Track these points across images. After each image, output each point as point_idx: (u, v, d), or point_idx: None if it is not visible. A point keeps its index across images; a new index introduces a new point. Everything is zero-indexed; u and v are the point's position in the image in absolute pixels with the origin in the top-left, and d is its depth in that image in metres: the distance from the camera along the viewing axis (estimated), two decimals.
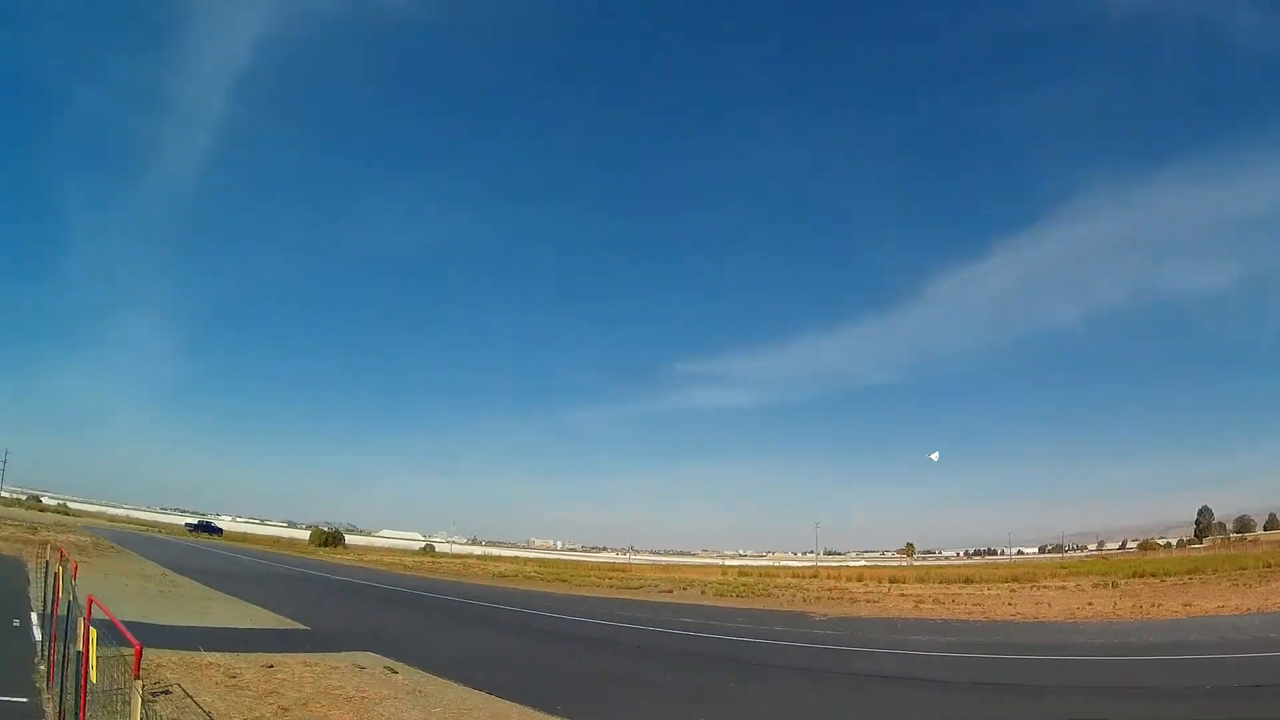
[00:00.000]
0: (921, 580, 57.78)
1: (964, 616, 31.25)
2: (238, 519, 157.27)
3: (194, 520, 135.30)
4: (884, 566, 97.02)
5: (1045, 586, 47.64)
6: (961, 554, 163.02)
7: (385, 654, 17.93)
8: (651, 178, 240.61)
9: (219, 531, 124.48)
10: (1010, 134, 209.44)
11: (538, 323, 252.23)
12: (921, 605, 36.60)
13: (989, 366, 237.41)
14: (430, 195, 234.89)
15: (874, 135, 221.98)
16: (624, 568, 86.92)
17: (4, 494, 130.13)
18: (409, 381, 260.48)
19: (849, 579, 60.92)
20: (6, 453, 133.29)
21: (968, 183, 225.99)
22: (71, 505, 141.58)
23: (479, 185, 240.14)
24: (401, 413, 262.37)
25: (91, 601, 8.03)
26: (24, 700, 10.82)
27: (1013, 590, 45.46)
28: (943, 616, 31.62)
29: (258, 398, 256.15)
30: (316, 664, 15.78)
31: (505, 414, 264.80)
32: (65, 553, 17.16)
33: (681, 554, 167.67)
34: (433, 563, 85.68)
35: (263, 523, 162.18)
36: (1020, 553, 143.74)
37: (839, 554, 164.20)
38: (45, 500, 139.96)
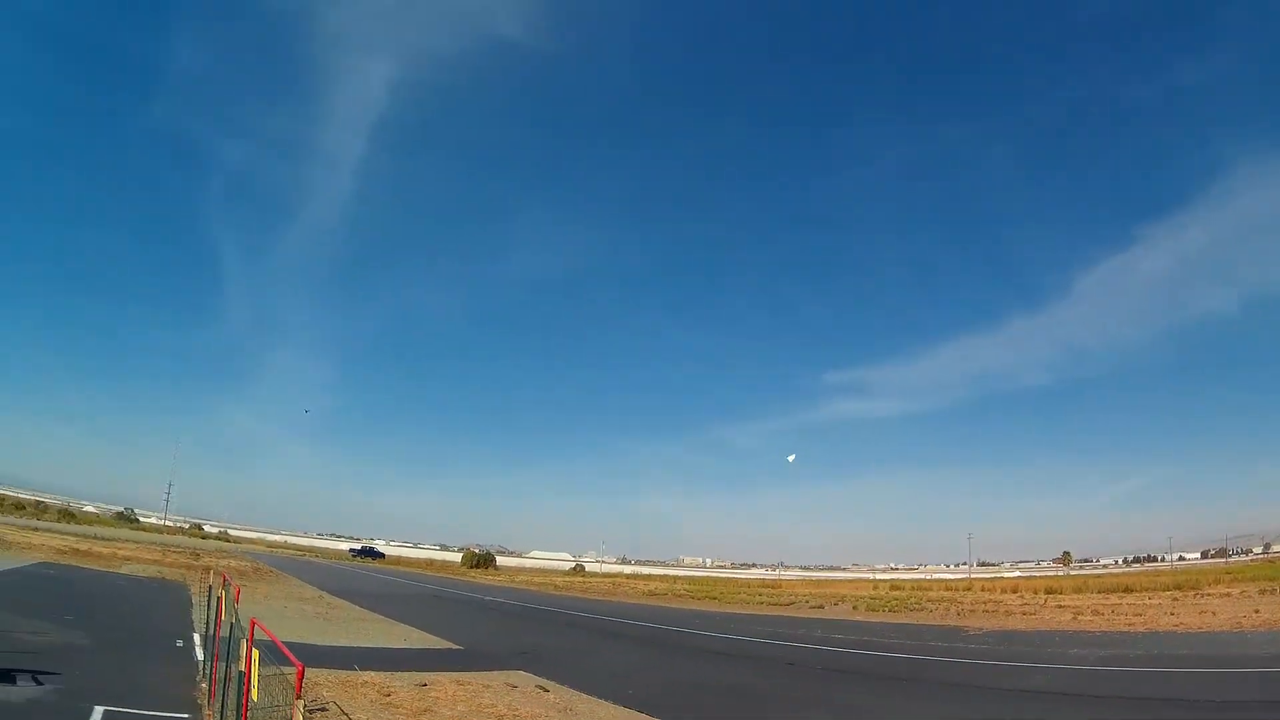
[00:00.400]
0: (1079, 590, 56.00)
1: (1124, 628, 30.76)
2: (391, 543, 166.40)
3: (357, 545, 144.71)
4: (1040, 577, 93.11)
5: (1209, 594, 45.26)
6: (1120, 561, 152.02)
7: (536, 673, 18.59)
8: (792, 190, 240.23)
9: (381, 555, 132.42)
10: (1149, 112, 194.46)
11: (687, 340, 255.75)
12: (1080, 617, 36.31)
13: (1143, 360, 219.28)
14: (574, 218, 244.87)
15: (1008, 128, 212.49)
16: (774, 584, 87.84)
17: (169, 522, 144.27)
18: (559, 403, 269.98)
19: (1004, 591, 59.79)
20: (171, 484, 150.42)
21: (1109, 168, 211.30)
22: (232, 532, 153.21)
23: (623, 205, 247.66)
24: (552, 434, 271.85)
25: (254, 624, 8.72)
26: (186, 716, 11.64)
27: (1175, 599, 43.62)
28: (1102, 628, 31.48)
29: (409, 425, 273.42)
30: (469, 682, 16.45)
31: (655, 432, 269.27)
32: (227, 577, 18.21)
33: (832, 569, 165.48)
34: (583, 582, 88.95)
35: (416, 546, 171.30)
36: (1181, 558, 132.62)
37: (993, 565, 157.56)
38: (207, 528, 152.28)
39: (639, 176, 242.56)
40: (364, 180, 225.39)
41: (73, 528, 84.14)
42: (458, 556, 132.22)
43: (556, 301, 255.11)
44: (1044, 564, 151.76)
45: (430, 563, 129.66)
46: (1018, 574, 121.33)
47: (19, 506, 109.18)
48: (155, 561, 49.38)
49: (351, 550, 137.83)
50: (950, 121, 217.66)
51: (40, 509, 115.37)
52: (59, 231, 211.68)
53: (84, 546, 52.12)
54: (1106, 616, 35.54)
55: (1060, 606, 43.18)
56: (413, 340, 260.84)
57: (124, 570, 42.10)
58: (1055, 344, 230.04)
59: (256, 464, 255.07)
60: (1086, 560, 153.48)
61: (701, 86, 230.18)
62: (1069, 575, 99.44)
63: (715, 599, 57.95)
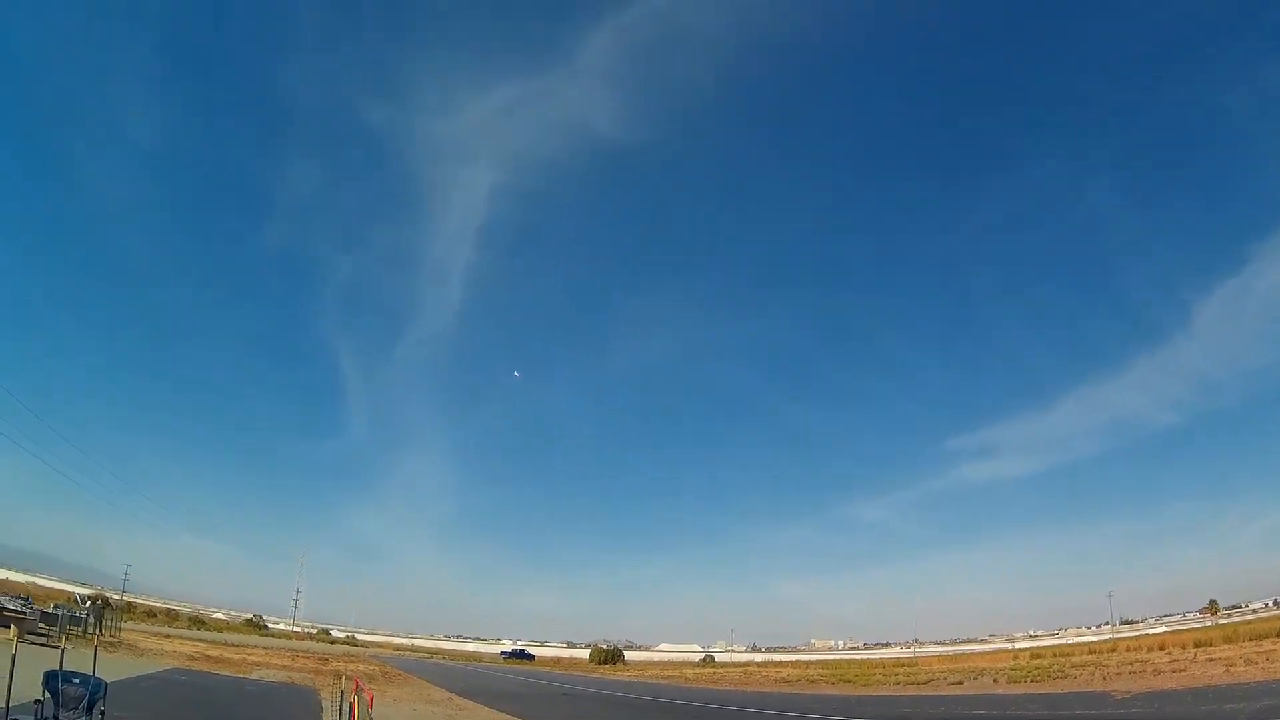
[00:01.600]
0: (1229, 640, 53.16)
1: None
2: (518, 642, 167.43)
3: (506, 648, 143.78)
4: (1187, 630, 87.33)
5: None
6: (1270, 603, 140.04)
7: None
8: (897, 254, 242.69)
9: (531, 657, 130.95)
10: (1243, 123, 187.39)
11: (804, 416, 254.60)
12: (1233, 669, 35.19)
13: (1273, 385, 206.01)
14: (682, 303, 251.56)
15: (1104, 159, 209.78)
16: (910, 662, 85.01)
17: (297, 628, 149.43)
18: (680, 490, 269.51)
19: (1149, 649, 57.14)
20: (298, 591, 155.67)
21: (1210, 187, 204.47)
22: (359, 636, 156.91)
23: (735, 282, 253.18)
24: (674, 523, 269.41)
25: None
26: None
27: None
28: (1257, 678, 30.56)
29: (531, 522, 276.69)
30: None
31: (777, 514, 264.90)
32: (360, 682, 18.85)
33: (969, 641, 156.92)
34: (713, 673, 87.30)
35: (543, 644, 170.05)
36: None
37: (1136, 622, 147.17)
38: (334, 632, 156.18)
39: (740, 255, 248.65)
40: (473, 285, 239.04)
41: (203, 634, 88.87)
42: (585, 653, 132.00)
43: (670, 388, 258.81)
44: (1190, 615, 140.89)
45: (558, 660, 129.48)
46: (1163, 629, 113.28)
47: (151, 614, 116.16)
48: (284, 666, 50.77)
49: (503, 653, 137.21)
50: (1045, 162, 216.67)
51: (171, 616, 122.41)
52: (182, 349, 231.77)
53: (215, 652, 54.54)
54: (1261, 665, 34.45)
55: (1211, 660, 41.64)
56: (531, 437, 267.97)
57: (254, 675, 43.40)
58: (1182, 379, 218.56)
59: (381, 568, 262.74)
60: (1235, 607, 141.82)
61: (797, 156, 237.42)
62: (1217, 625, 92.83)
63: (849, 681, 57.24)
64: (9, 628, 33.99)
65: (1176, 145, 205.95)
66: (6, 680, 12.37)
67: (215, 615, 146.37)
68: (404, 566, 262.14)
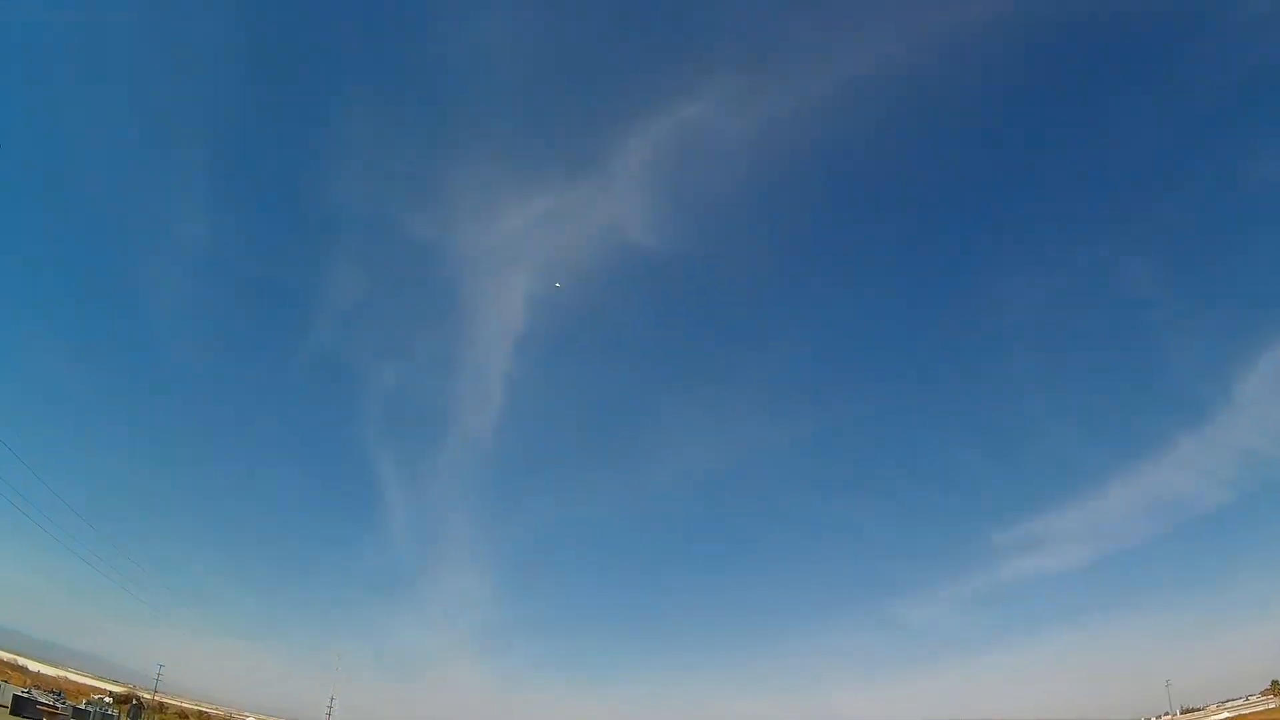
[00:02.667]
0: None
1: None
2: None
3: None
4: (1250, 713, 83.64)
5: None
6: None
7: None
8: (935, 353, 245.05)
9: None
10: (1266, 191, 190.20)
11: (850, 518, 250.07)
12: None
13: None
14: (722, 405, 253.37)
15: (1137, 237, 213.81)
16: None
17: None
18: (724, 599, 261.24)
19: None
20: (333, 698, 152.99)
21: (1244, 259, 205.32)
22: None
23: (773, 387, 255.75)
24: (718, 632, 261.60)
25: None
26: None
27: None
28: None
29: (573, 631, 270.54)
30: None
31: (826, 618, 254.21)
32: None
33: None
34: None
35: None
36: None
37: (1197, 710, 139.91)
38: None
39: (777, 360, 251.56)
40: (511, 392, 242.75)
41: None
42: None
43: (710, 495, 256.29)
44: (1252, 698, 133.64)
45: None
46: (1225, 715, 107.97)
47: (183, 715, 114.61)
48: None
49: None
50: (1077, 249, 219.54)
51: (203, 718, 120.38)
52: (225, 454, 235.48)
53: None
54: None
55: None
56: (572, 543, 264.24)
57: None
58: (1229, 456, 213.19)
59: (417, 674, 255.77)
60: None
61: (829, 259, 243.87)
62: None
63: None
64: None
65: (1205, 222, 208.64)
66: None
67: (248, 718, 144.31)
68: (440, 673, 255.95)
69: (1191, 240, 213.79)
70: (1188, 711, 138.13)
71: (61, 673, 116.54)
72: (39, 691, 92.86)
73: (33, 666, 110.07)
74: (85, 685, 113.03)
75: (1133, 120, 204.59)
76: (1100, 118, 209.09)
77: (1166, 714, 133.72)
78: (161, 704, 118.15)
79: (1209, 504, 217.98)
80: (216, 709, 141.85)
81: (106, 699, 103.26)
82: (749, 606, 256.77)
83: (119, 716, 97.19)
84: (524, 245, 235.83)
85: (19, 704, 79.31)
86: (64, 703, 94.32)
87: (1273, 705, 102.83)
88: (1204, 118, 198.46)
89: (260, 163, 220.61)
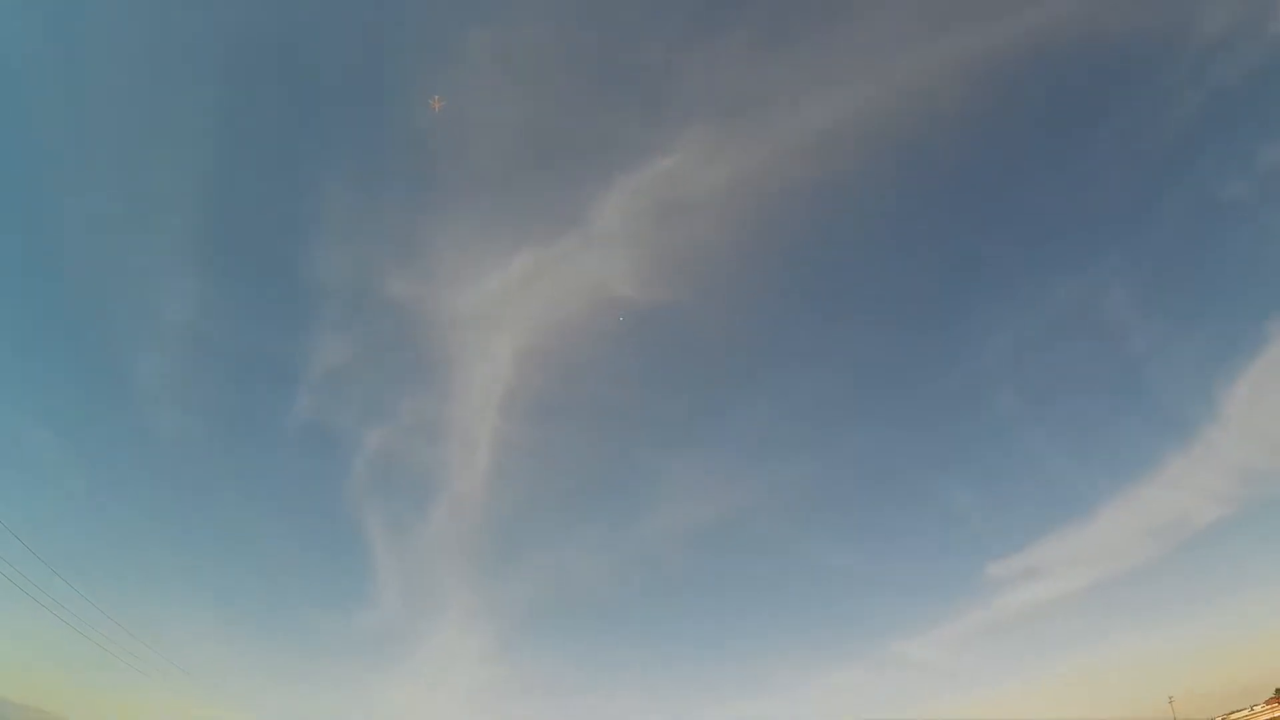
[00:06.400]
0: None
1: None
2: None
3: None
4: None
5: None
6: None
7: None
8: (922, 388, 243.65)
9: None
10: (1246, 205, 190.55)
11: (844, 558, 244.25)
12: None
13: None
14: (713, 455, 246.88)
15: (1118, 263, 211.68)
16: None
17: None
18: (722, 647, 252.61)
19: None
20: None
21: (1221, 271, 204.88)
22: None
23: (762, 434, 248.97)
24: (718, 678, 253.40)
25: None
26: None
27: None
28: None
29: (567, 689, 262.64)
30: None
31: (825, 659, 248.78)
32: None
33: None
34: None
35: None
36: None
37: None
38: None
39: (766, 407, 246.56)
40: (500, 451, 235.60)
41: None
42: None
43: (704, 544, 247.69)
44: (1257, 708, 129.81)
45: None
46: None
47: None
48: None
49: None
50: (1056, 278, 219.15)
51: None
52: (209, 522, 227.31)
53: None
54: None
55: None
56: (567, 601, 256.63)
57: None
58: (1221, 472, 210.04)
59: None
60: None
61: (812, 302, 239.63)
62: None
63: None
64: None
65: (1181, 241, 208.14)
66: None
67: None
68: None
69: (1168, 264, 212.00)
70: None
71: None
72: None
73: None
74: None
75: (1103, 149, 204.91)
76: (1073, 149, 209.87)
77: None
78: None
79: (1204, 520, 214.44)
80: None
81: None
82: (745, 654, 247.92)
83: None
84: (506, 304, 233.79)
85: None
86: None
87: (1277, 712, 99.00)
88: (1173, 142, 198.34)
89: (242, 236, 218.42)
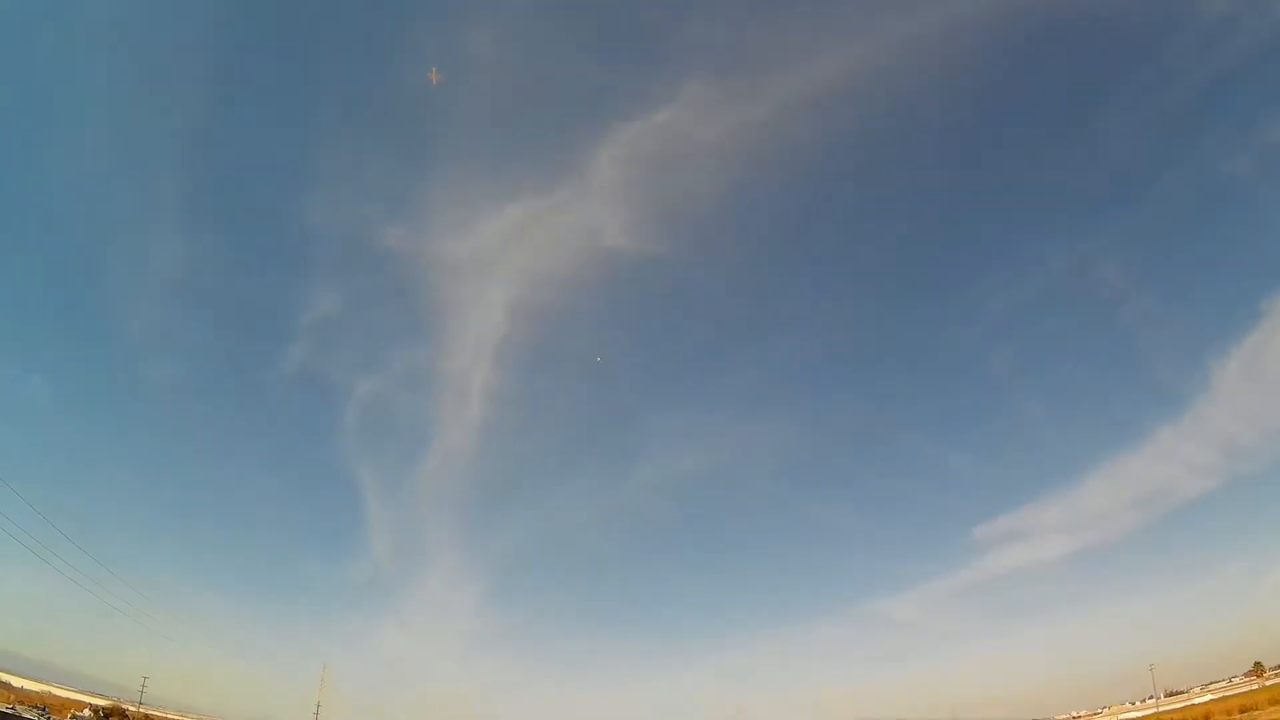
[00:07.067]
0: (1276, 701, 52.25)
1: None
2: None
3: None
4: (1233, 695, 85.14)
5: None
6: None
7: None
8: (916, 349, 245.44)
9: None
10: (1246, 181, 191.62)
11: (835, 516, 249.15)
12: None
13: None
14: (704, 408, 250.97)
15: (1113, 236, 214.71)
16: None
17: None
18: (710, 598, 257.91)
19: None
20: (319, 705, 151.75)
21: (1219, 249, 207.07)
22: None
23: (756, 388, 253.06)
24: (703, 629, 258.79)
25: None
26: None
27: None
28: None
29: (560, 638, 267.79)
30: None
31: (813, 615, 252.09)
32: None
33: None
34: None
35: None
36: None
37: (1181, 693, 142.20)
38: None
39: (759, 362, 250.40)
40: (493, 401, 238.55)
41: None
42: None
43: (694, 496, 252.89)
44: (1236, 680, 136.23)
45: None
46: (1209, 697, 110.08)
47: None
48: None
49: None
50: (1054, 248, 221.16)
51: None
52: (205, 469, 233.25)
53: None
54: None
55: None
56: (556, 551, 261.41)
57: None
58: (1209, 445, 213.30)
59: (405, 684, 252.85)
60: None
61: (809, 261, 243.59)
62: (1264, 688, 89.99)
63: None
64: None
65: (1180, 215, 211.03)
66: None
67: None
68: (428, 681, 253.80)
69: (1165, 236, 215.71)
70: (1172, 694, 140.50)
71: (46, 688, 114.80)
72: (23, 708, 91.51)
73: (16, 683, 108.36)
74: (70, 700, 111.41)
75: (1106, 123, 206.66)
76: (1075, 121, 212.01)
77: (1151, 697, 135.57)
78: (146, 716, 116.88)
79: (1190, 492, 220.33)
80: None
81: (89, 713, 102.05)
82: (731, 606, 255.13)
83: None
84: (501, 254, 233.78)
85: None
86: (48, 718, 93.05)
87: (1255, 686, 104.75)
88: (1174, 118, 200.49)
89: (233, 182, 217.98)
